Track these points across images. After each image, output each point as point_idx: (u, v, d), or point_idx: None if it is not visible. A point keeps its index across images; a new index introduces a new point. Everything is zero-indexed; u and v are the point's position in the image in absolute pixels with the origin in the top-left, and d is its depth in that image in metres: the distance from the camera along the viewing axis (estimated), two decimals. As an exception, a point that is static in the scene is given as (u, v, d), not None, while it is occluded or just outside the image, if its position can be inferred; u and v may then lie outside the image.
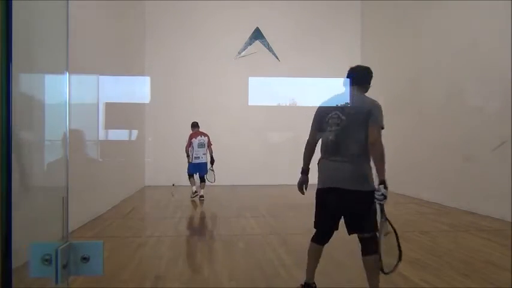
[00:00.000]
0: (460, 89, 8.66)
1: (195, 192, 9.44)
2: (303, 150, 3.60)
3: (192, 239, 6.27)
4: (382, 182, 3.13)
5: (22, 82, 1.13)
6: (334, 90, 3.52)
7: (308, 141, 3.57)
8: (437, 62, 9.38)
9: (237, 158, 12.25)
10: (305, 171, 3.60)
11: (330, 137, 3.33)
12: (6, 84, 0.90)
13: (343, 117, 3.28)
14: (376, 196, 3.15)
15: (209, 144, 9.43)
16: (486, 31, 7.76)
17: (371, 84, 3.53)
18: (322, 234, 3.47)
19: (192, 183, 9.52)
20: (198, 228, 7.01)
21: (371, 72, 3.54)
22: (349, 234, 3.36)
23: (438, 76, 9.35)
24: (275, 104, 13.14)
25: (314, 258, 3.49)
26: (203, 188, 9.45)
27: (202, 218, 7.54)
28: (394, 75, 11.28)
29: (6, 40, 0.89)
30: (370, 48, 12.88)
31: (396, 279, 4.10)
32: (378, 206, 3.19)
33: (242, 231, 6.52)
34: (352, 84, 3.42)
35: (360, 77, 3.47)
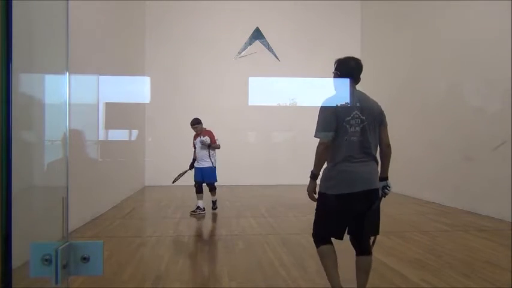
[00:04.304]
0: (460, 89, 8.66)
1: (198, 208, 7.76)
2: (316, 152, 3.20)
3: (192, 239, 6.27)
4: (387, 177, 3.32)
5: (22, 82, 1.13)
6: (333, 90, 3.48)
7: (324, 143, 3.16)
8: (437, 62, 9.38)
9: (237, 158, 12.24)
10: (316, 176, 3.24)
11: (354, 138, 3.12)
12: (6, 84, 0.90)
13: (363, 117, 3.14)
14: (387, 190, 3.28)
15: (213, 142, 7.82)
16: (486, 31, 7.76)
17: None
18: (328, 236, 3.29)
19: (199, 194, 7.84)
20: (198, 228, 7.01)
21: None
22: (356, 236, 3.27)
23: (438, 76, 9.35)
24: (275, 104, 13.14)
25: (334, 259, 3.25)
26: (214, 195, 8.03)
27: (203, 218, 7.54)
28: (394, 75, 11.29)
29: (6, 40, 0.89)
30: (370, 48, 12.88)
31: (396, 279, 4.10)
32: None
33: (242, 231, 6.51)
34: (353, 80, 3.24)
35: (360, 71, 3.29)
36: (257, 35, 13.19)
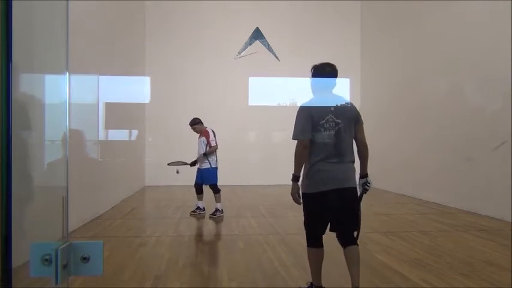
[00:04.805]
0: (460, 89, 8.66)
1: (198, 208, 7.70)
2: (295, 152, 3.40)
3: (192, 239, 6.27)
4: (367, 174, 3.49)
5: (22, 82, 1.13)
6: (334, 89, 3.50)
7: (303, 144, 3.35)
8: (437, 62, 9.37)
9: (237, 158, 12.24)
10: (298, 178, 3.41)
11: (329, 140, 3.31)
12: (6, 84, 0.90)
13: (338, 120, 3.32)
14: (367, 187, 3.46)
15: (208, 143, 7.50)
16: (486, 31, 7.76)
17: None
18: (320, 237, 3.44)
19: (199, 195, 7.68)
20: (198, 228, 7.01)
21: None
22: (339, 232, 3.42)
23: (438, 76, 9.35)
24: (275, 104, 13.14)
25: (320, 261, 3.46)
26: (218, 201, 7.51)
27: (202, 218, 7.54)
28: (394, 75, 11.28)
29: (6, 40, 0.89)
30: (370, 48, 12.88)
31: (396, 279, 4.10)
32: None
33: (242, 231, 6.52)
34: (333, 83, 3.46)
35: (335, 76, 3.47)
36: (257, 35, 13.19)
